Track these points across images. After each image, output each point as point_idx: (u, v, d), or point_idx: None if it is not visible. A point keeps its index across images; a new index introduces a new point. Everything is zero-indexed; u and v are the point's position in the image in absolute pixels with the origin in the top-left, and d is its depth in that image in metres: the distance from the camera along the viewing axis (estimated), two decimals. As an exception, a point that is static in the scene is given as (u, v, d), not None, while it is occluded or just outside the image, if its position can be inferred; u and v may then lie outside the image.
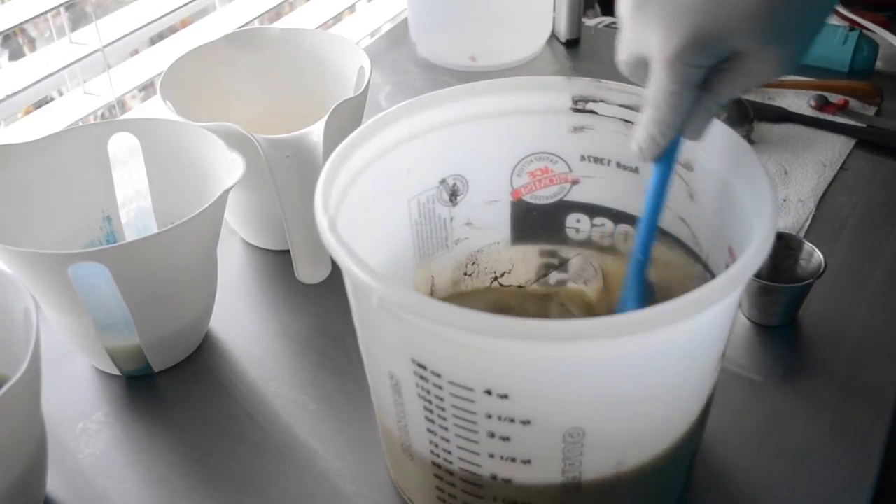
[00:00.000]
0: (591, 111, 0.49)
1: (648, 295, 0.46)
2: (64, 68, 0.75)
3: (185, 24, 0.92)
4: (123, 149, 0.61)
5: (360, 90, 0.63)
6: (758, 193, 0.40)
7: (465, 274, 0.55)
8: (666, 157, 0.43)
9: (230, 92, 0.71)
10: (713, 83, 0.39)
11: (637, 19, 0.39)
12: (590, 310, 0.54)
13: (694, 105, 0.40)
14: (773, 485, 0.49)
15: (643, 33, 0.39)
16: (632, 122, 0.48)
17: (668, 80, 0.39)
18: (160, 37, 0.89)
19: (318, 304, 0.63)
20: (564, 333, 0.33)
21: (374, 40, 1.01)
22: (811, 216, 0.69)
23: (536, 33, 0.95)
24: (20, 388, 0.42)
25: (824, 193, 0.71)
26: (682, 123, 0.41)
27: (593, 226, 0.53)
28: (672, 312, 0.34)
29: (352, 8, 1.07)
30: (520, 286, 0.56)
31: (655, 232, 0.45)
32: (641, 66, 0.40)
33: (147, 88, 0.92)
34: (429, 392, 0.39)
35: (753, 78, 0.39)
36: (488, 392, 0.37)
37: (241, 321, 0.62)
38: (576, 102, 0.49)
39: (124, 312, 0.53)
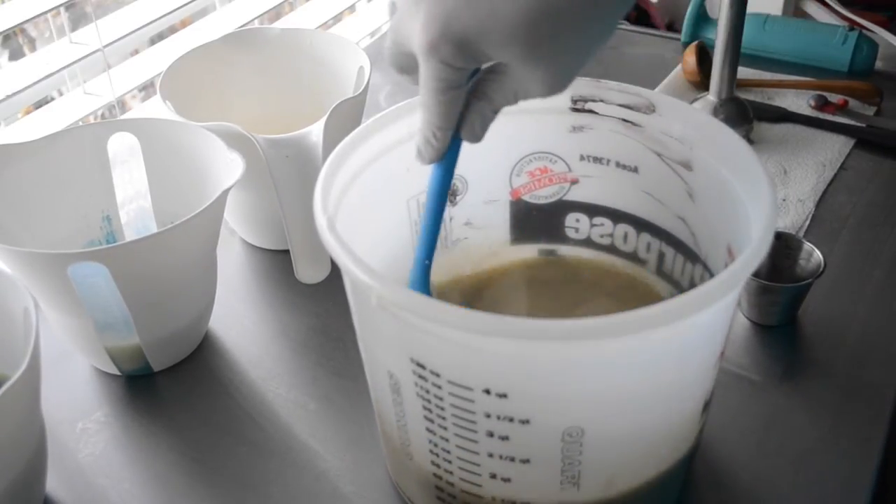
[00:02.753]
0: (591, 111, 0.49)
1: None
2: (64, 68, 0.75)
3: (185, 24, 0.92)
4: (123, 149, 0.61)
5: (360, 90, 0.63)
6: (757, 193, 0.40)
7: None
8: (446, 160, 0.41)
9: (230, 92, 0.71)
10: (485, 87, 0.38)
11: (406, 7, 0.37)
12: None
13: (468, 106, 0.39)
14: (772, 484, 0.49)
15: (408, 25, 0.37)
16: (632, 122, 0.48)
17: (429, 76, 0.37)
18: (160, 37, 0.89)
19: (317, 304, 0.63)
20: (563, 333, 0.33)
21: (374, 40, 1.01)
22: (810, 216, 0.69)
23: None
24: (20, 388, 0.42)
25: (824, 193, 0.71)
26: (455, 125, 0.39)
27: (592, 225, 0.53)
28: (671, 312, 0.34)
29: (352, 8, 1.07)
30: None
31: (438, 235, 0.44)
32: (408, 57, 0.38)
33: (147, 88, 0.92)
34: (428, 391, 0.39)
35: (519, 91, 0.37)
36: (487, 391, 0.37)
37: (241, 321, 0.62)
38: (575, 102, 0.49)
39: (124, 312, 0.53)
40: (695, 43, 0.87)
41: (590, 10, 0.35)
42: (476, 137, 0.40)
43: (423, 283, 0.44)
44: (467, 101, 0.39)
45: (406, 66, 0.39)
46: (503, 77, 0.37)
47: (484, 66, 0.38)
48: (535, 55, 0.35)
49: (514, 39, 0.34)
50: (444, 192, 0.42)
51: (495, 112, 0.39)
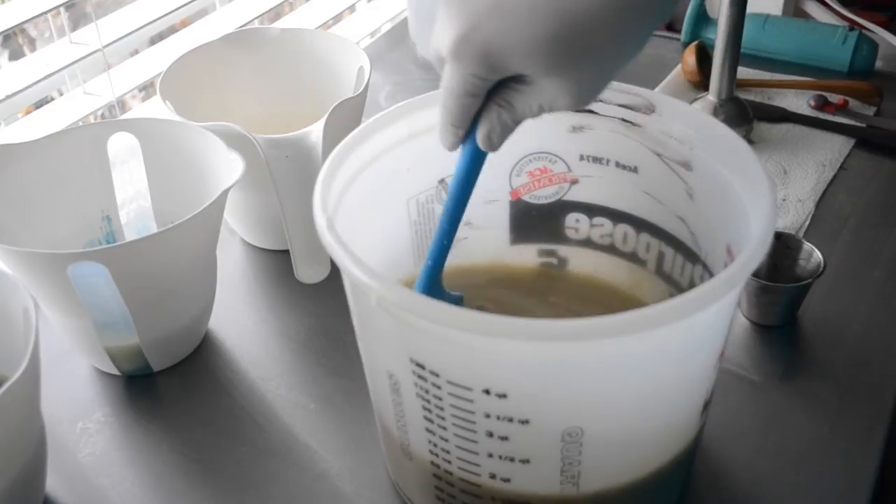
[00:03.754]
0: (590, 111, 0.49)
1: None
2: (64, 68, 0.75)
3: (184, 24, 0.92)
4: (123, 149, 0.61)
5: (360, 90, 0.63)
6: (757, 193, 0.40)
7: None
8: (469, 168, 0.41)
9: (230, 92, 0.71)
10: (508, 96, 0.37)
11: (445, 7, 0.36)
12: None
13: (486, 111, 0.38)
14: (772, 484, 0.49)
15: (439, 22, 0.37)
16: (631, 122, 0.48)
17: (452, 78, 0.37)
18: (160, 37, 0.89)
19: (317, 304, 0.63)
20: (563, 333, 0.33)
21: (374, 40, 1.01)
22: (810, 216, 0.69)
23: (536, 33, 0.95)
24: (20, 388, 0.42)
25: (824, 193, 0.71)
26: (469, 126, 0.39)
27: (592, 225, 0.53)
28: (671, 312, 0.34)
29: (352, 8, 1.07)
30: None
31: (453, 240, 0.43)
32: (438, 57, 0.38)
33: (147, 88, 0.92)
34: (427, 391, 0.39)
35: (543, 105, 0.36)
36: (487, 391, 0.37)
37: (241, 321, 0.62)
38: (575, 102, 0.49)
39: (124, 312, 0.53)
40: (695, 43, 0.87)
41: (618, 26, 0.33)
42: (492, 146, 0.39)
43: (429, 286, 0.44)
44: (488, 105, 0.38)
45: (437, 60, 0.39)
46: (528, 88, 0.36)
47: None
48: (559, 69, 0.34)
49: (538, 53, 0.34)
50: (464, 200, 0.42)
51: (516, 123, 0.38)
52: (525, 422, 0.38)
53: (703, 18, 0.93)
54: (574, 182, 0.52)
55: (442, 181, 0.51)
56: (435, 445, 0.41)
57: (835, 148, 0.76)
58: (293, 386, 0.57)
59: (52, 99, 0.82)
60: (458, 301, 0.48)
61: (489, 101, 0.38)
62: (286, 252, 0.57)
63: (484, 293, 0.55)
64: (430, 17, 1.05)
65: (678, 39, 0.95)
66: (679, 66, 0.88)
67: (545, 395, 0.37)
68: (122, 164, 0.61)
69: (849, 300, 0.61)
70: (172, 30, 0.90)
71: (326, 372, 0.58)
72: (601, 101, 0.48)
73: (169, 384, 0.57)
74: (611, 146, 0.50)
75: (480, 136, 0.39)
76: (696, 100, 0.80)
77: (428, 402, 0.39)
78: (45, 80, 0.74)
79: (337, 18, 1.04)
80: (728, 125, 0.44)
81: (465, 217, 0.53)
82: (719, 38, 0.73)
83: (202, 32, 0.87)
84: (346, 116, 0.60)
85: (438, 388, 0.38)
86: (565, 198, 0.53)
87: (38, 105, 0.80)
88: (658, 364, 0.37)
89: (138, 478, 0.51)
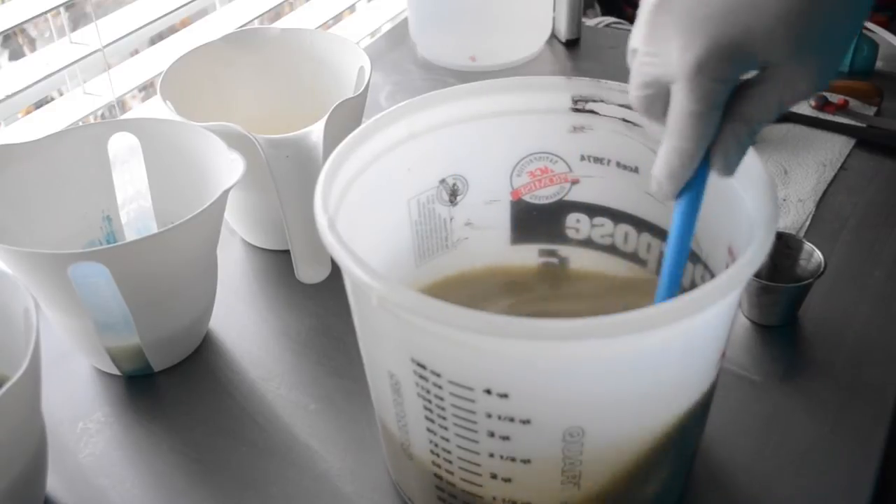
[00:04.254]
0: (591, 111, 0.49)
1: None
2: (64, 68, 0.75)
3: (184, 24, 0.92)
4: (123, 149, 0.61)
5: (360, 90, 0.63)
6: (758, 193, 0.40)
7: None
8: (690, 193, 0.38)
9: (230, 92, 0.71)
10: (741, 108, 0.36)
11: (652, 39, 0.36)
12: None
13: (721, 133, 0.36)
14: (773, 485, 0.49)
15: (659, 54, 0.36)
16: (632, 122, 0.48)
17: (689, 99, 0.35)
18: (160, 37, 0.89)
19: (318, 304, 0.63)
20: (564, 333, 0.33)
21: (374, 40, 1.01)
22: (811, 216, 0.69)
23: (536, 33, 0.95)
24: (20, 388, 0.42)
25: (824, 193, 0.71)
26: (705, 153, 0.37)
27: (593, 226, 0.53)
28: (672, 312, 0.34)
29: (352, 8, 1.07)
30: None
31: (679, 284, 0.40)
32: (658, 96, 0.37)
33: (147, 88, 0.92)
34: (428, 392, 0.39)
35: (786, 95, 0.35)
36: (488, 391, 0.37)
37: (241, 321, 0.62)
38: (576, 102, 0.49)
39: (124, 312, 0.53)
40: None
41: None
42: (729, 167, 0.37)
43: None
44: (721, 128, 0.36)
45: (655, 107, 0.38)
46: (762, 86, 0.35)
47: (742, 78, 0.36)
48: (807, 46, 0.34)
49: (786, 31, 0.33)
50: (690, 231, 0.39)
51: (752, 136, 0.37)
52: (526, 422, 0.38)
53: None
54: (575, 182, 0.52)
55: (442, 181, 0.51)
56: (436, 445, 0.41)
57: (835, 148, 0.76)
58: (293, 386, 0.57)
59: (52, 99, 0.82)
60: None
61: (722, 124, 0.36)
62: (286, 252, 0.57)
63: (484, 293, 0.55)
64: (431, 17, 1.05)
65: (678, 39, 0.95)
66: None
67: (546, 395, 0.37)
68: (122, 164, 0.61)
69: (849, 300, 0.61)
70: (172, 30, 0.90)
71: (327, 372, 0.58)
72: (602, 101, 0.48)
73: (169, 384, 0.57)
74: (612, 146, 0.50)
75: (717, 157, 0.37)
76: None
77: (429, 402, 0.39)
78: (45, 80, 0.74)
79: (337, 18, 1.04)
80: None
81: (466, 217, 0.53)
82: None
83: (202, 32, 0.87)
84: (347, 116, 0.60)
85: (440, 388, 0.38)
86: (566, 198, 0.53)
87: (38, 105, 0.80)
88: (659, 364, 0.37)
89: (138, 478, 0.51)
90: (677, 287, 0.40)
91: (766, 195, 0.39)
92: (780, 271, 0.58)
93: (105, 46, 0.77)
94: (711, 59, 0.34)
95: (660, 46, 0.36)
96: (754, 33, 0.34)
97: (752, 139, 0.37)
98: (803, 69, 0.35)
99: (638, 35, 0.37)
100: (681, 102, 0.36)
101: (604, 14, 1.10)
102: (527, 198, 0.53)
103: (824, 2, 0.33)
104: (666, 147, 0.37)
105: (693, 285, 0.49)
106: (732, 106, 0.36)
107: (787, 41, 0.34)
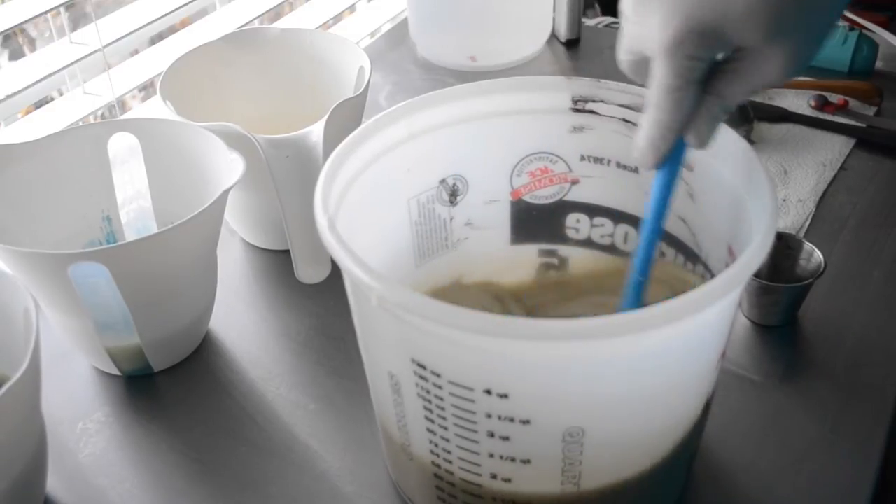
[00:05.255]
0: (591, 111, 0.49)
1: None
2: (64, 68, 0.75)
3: (184, 24, 0.92)
4: (123, 149, 0.61)
5: (360, 90, 0.63)
6: (757, 193, 0.40)
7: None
8: (668, 165, 0.40)
9: (230, 92, 0.71)
10: (717, 84, 0.38)
11: (638, 11, 0.38)
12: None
13: (697, 107, 0.38)
14: (773, 485, 0.49)
15: (643, 25, 0.37)
16: (632, 122, 0.48)
17: (667, 73, 0.37)
18: (160, 37, 0.89)
19: (318, 304, 0.63)
20: (564, 333, 0.33)
21: (374, 40, 1.01)
22: (811, 216, 0.69)
23: (536, 33, 0.95)
24: (20, 388, 0.42)
25: (824, 193, 0.71)
26: (684, 126, 0.39)
27: (593, 226, 0.53)
28: (671, 312, 0.34)
29: (352, 8, 1.07)
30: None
31: (656, 250, 0.42)
32: (642, 63, 0.39)
33: (147, 88, 0.92)
34: (428, 392, 0.39)
35: (758, 78, 0.37)
36: (488, 392, 0.37)
37: (241, 321, 0.62)
38: (575, 102, 0.49)
39: (124, 312, 0.53)
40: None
41: None
42: (700, 140, 0.39)
43: (634, 301, 0.43)
44: (697, 98, 0.38)
45: (640, 70, 0.39)
46: (737, 68, 0.37)
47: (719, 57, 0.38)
48: (780, 31, 0.35)
49: (761, 16, 0.34)
50: (666, 201, 0.41)
51: (725, 111, 0.39)
52: (526, 422, 0.38)
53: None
54: (575, 182, 0.52)
55: (442, 181, 0.51)
56: (436, 446, 0.41)
57: (835, 148, 0.76)
58: (293, 386, 0.57)
59: (52, 99, 0.82)
60: None
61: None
62: (286, 252, 0.57)
63: (485, 293, 0.55)
64: (431, 17, 1.06)
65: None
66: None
67: (546, 395, 0.37)
68: (122, 164, 0.61)
69: (849, 300, 0.61)
70: (172, 30, 0.90)
71: (327, 372, 0.58)
72: (602, 101, 0.48)
73: (169, 384, 0.57)
74: (612, 146, 0.50)
75: (692, 131, 0.39)
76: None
77: (429, 402, 0.39)
78: (45, 80, 0.74)
79: (337, 18, 1.04)
80: (728, 125, 0.44)
81: (466, 217, 0.53)
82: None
83: (202, 32, 0.87)
84: (347, 116, 0.60)
85: (439, 388, 0.38)
86: (566, 198, 0.53)
87: (38, 105, 0.80)
88: (659, 364, 0.37)
89: (138, 478, 0.51)
90: (651, 257, 0.42)
91: (766, 195, 0.39)
92: (780, 271, 0.58)
93: (105, 46, 0.77)
94: (687, 38, 0.36)
95: (644, 20, 0.37)
96: (729, 16, 0.35)
97: (725, 114, 0.39)
98: (776, 54, 0.36)
99: (628, 2, 0.39)
100: (660, 75, 0.37)
101: (604, 14, 1.10)
102: (527, 198, 0.53)
103: None
104: (647, 118, 0.39)
105: (693, 285, 0.49)
106: (710, 81, 0.38)
107: (759, 26, 0.35)
